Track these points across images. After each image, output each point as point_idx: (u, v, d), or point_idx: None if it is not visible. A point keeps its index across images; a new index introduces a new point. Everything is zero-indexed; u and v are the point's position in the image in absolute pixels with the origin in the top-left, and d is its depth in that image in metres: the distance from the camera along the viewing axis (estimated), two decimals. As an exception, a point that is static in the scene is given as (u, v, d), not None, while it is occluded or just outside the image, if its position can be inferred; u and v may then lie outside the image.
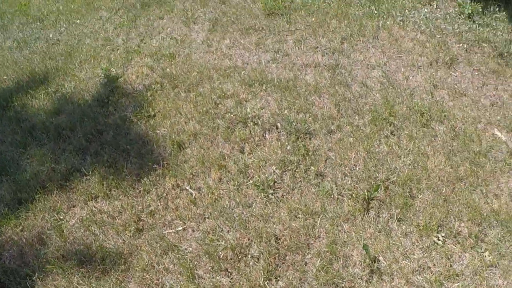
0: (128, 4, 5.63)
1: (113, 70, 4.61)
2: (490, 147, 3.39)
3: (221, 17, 4.95)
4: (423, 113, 3.64)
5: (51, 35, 5.54)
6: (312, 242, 2.92)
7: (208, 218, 3.14)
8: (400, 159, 3.34)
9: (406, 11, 4.61)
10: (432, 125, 3.57)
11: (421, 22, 4.45)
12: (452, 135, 3.49)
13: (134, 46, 4.90)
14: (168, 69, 4.46)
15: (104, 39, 5.15)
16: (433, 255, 2.78)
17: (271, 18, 4.80)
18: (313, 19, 4.65)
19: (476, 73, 4.00)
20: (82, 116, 4.12)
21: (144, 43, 4.92)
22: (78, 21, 5.69)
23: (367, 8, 4.69)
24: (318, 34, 4.49)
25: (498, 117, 3.61)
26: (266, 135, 3.68)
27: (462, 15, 4.48)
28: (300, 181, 3.29)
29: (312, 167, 3.35)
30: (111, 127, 3.99)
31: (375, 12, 4.61)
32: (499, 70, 3.97)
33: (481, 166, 3.26)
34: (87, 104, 4.27)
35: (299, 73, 4.15)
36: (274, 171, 3.37)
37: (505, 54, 4.10)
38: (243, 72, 4.24)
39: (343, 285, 2.68)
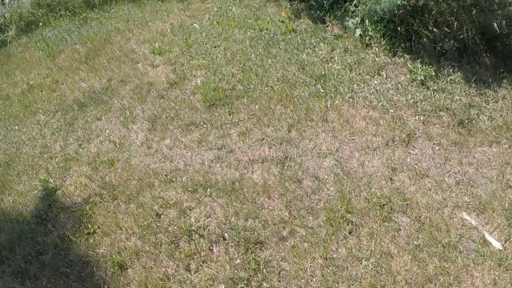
0: (65, 105, 5.55)
1: (52, 181, 4.53)
2: (460, 236, 3.26)
3: (160, 113, 4.87)
4: (383, 204, 3.52)
5: (-11, 145, 5.45)
6: None
7: None
8: (361, 263, 3.20)
9: (355, 85, 4.56)
10: (394, 218, 3.45)
11: (372, 96, 4.39)
12: (417, 226, 3.37)
13: (72, 152, 4.80)
14: (107, 178, 4.35)
15: (42, 146, 5.06)
16: None
17: (212, 110, 4.73)
18: (257, 106, 4.58)
19: (437, 148, 3.92)
20: (21, 234, 4.06)
21: (82, 148, 4.82)
22: (16, 126, 5.62)
23: (313, 88, 4.63)
24: (263, 124, 4.41)
25: (466, 198, 3.50)
26: (213, 248, 3.55)
27: (414, 82, 4.44)
28: (253, 301, 3.14)
29: (264, 283, 3.21)
30: (50, 247, 3.89)
31: (322, 91, 4.55)
32: (461, 141, 3.89)
33: (452, 261, 3.12)
34: (26, 221, 4.20)
35: (246, 172, 4.04)
36: (223, 292, 3.22)
37: (466, 121, 4.03)
38: (184, 178, 4.12)
39: None
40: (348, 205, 3.56)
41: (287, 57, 5.14)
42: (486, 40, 4.47)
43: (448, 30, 4.48)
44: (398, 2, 4.23)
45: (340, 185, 3.74)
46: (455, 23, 4.40)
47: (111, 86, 5.59)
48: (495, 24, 4.10)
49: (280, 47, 5.35)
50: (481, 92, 4.25)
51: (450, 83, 4.38)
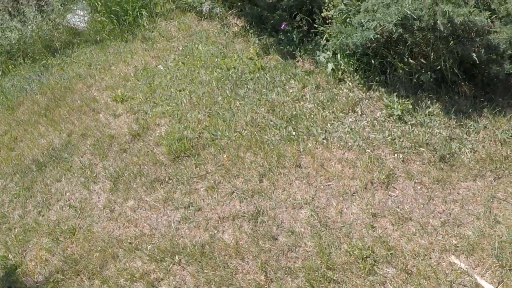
0: (23, 166, 5.42)
1: (11, 257, 4.41)
2: (450, 283, 3.20)
3: (122, 170, 4.75)
4: (366, 257, 3.42)
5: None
6: None
7: None
8: (345, 326, 3.08)
9: (328, 125, 4.48)
10: (378, 270, 3.36)
11: (347, 136, 4.32)
12: (404, 277, 3.29)
13: (32, 222, 4.68)
14: (69, 250, 4.24)
15: (0, 216, 4.90)
16: None
17: (177, 162, 4.62)
18: (225, 156, 4.48)
19: (419, 187, 3.84)
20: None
21: (42, 216, 4.70)
22: (-27, 194, 5.46)
23: (284, 131, 4.54)
24: (232, 175, 4.31)
25: (453, 240, 3.43)
26: (187, 325, 3.41)
27: (391, 118, 4.38)
28: None
29: None
30: None
31: (294, 134, 4.47)
32: (444, 178, 3.82)
33: (443, 315, 3.01)
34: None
35: (216, 232, 3.93)
36: None
37: (447, 156, 3.96)
38: (150, 245, 3.99)
39: None
40: (328, 261, 3.46)
41: (256, 97, 5.05)
42: (465, 69, 4.43)
43: (425, 61, 4.44)
44: (371, 36, 4.19)
45: (319, 239, 3.63)
46: (432, 54, 4.36)
47: (71, 141, 5.47)
48: (474, 54, 4.07)
49: (249, 87, 5.26)
50: (462, 123, 4.19)
51: (429, 115, 4.32)
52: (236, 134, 4.70)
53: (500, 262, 3.22)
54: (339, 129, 4.44)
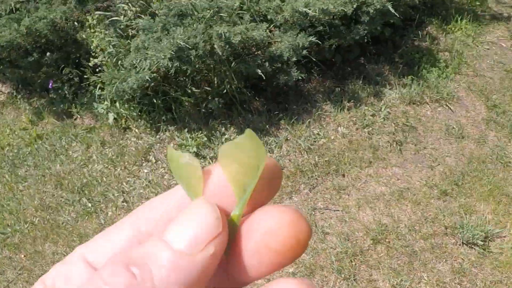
0: None
1: None
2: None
3: None
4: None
5: None
6: None
7: None
8: None
9: (124, 184, 4.17)
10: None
11: (147, 190, 4.07)
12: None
13: None
14: None
15: None
16: None
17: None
18: (22, 256, 3.96)
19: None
20: None
21: None
22: None
23: (79, 205, 4.13)
24: (36, 276, 3.81)
25: (290, 268, 3.35)
26: None
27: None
28: None
29: None
30: None
31: (90, 205, 4.09)
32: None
33: None
34: None
35: None
36: None
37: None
38: None
39: None
40: None
41: (39, 174, 4.55)
42: (252, 85, 4.42)
43: (209, 88, 4.34)
44: (147, 77, 3.95)
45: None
46: (215, 79, 4.27)
47: None
48: (258, 70, 4.03)
49: (29, 164, 4.73)
50: (262, 142, 4.13)
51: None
52: (28, 225, 4.17)
53: (342, 275, 3.22)
54: (136, 186, 4.15)
